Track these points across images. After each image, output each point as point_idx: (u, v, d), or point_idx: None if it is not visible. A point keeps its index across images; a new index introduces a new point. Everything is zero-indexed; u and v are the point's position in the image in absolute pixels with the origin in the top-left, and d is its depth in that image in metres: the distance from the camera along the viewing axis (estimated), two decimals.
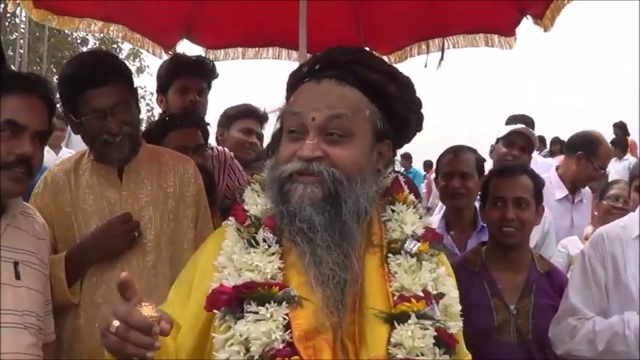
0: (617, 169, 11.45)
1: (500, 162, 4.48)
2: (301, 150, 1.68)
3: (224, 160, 3.99)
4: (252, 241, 1.71)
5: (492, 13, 3.83)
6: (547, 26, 3.58)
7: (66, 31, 22.53)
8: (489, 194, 3.12)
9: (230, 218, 1.79)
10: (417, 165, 18.69)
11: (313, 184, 1.66)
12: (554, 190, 4.82)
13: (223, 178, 3.94)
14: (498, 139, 4.68)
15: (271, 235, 1.71)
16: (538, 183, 3.13)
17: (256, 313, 1.59)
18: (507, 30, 3.92)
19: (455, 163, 3.72)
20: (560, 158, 5.84)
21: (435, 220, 3.83)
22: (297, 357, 1.57)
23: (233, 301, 1.61)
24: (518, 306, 2.97)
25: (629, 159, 11.71)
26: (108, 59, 2.82)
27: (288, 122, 1.74)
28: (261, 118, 4.36)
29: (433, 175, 4.75)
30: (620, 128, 13.90)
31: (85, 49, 22.01)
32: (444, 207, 3.94)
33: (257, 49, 4.25)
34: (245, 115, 4.30)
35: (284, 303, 1.61)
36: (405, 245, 1.76)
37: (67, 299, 2.56)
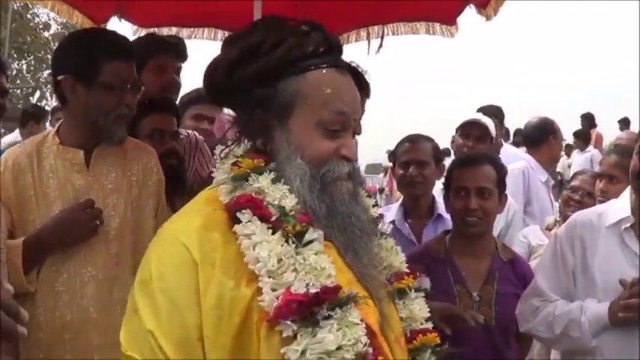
0: (579, 161, 11.63)
1: (458, 153, 4.51)
2: (348, 150, 1.65)
3: (195, 143, 3.95)
4: (295, 240, 1.53)
5: (435, 1, 3.84)
6: (489, 15, 3.58)
7: (28, 16, 22.24)
8: (452, 184, 3.13)
9: (243, 211, 1.54)
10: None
11: (348, 180, 1.67)
12: (538, 174, 5.09)
13: (193, 163, 3.90)
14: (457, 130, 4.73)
15: (320, 233, 1.58)
16: (501, 172, 3.14)
17: (341, 319, 1.46)
18: (449, 19, 3.92)
19: (412, 151, 3.73)
20: (523, 149, 6.02)
21: (394, 208, 3.87)
22: (382, 357, 1.54)
23: (305, 309, 1.45)
24: (481, 293, 2.99)
25: (592, 151, 11.86)
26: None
27: (329, 118, 1.63)
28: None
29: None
30: (588, 119, 14.09)
31: (47, 34, 21.71)
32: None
33: (192, 29, 4.14)
34: (196, 101, 4.23)
35: (353, 304, 1.51)
36: (379, 226, 1.85)
37: (23, 287, 2.49)
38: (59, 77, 2.62)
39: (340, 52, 1.73)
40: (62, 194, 2.59)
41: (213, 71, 1.73)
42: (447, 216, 3.50)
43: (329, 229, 1.61)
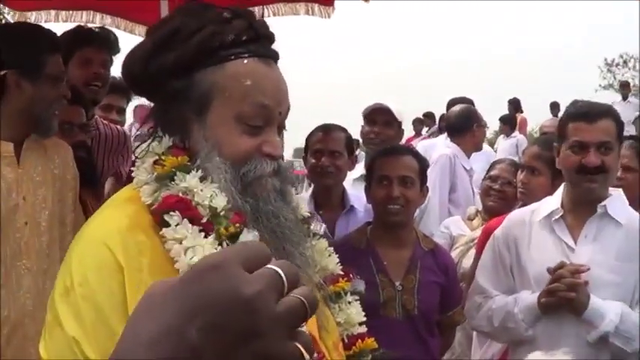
0: (504, 147, 11.75)
1: (365, 141, 4.48)
2: (271, 147, 1.54)
3: (124, 140, 3.90)
4: (230, 242, 1.42)
5: None
6: None
7: None
8: (375, 174, 3.15)
9: (172, 213, 1.41)
10: None
11: (274, 177, 1.55)
12: (463, 162, 5.09)
13: (115, 159, 3.83)
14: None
15: (255, 234, 1.47)
16: (423, 164, 3.19)
17: None
18: (327, 0, 4.01)
19: (325, 141, 3.69)
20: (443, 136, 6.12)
21: (303, 200, 3.82)
22: None
23: None
24: (403, 282, 3.01)
25: (517, 136, 12.01)
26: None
27: (249, 111, 1.51)
28: (123, 90, 4.23)
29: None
30: (514, 104, 14.32)
31: None
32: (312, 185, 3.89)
33: (70, 11, 4.10)
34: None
35: None
36: (312, 227, 1.72)
37: None
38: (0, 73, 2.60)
39: (270, 40, 1.61)
40: None
41: (130, 61, 1.59)
42: (360, 208, 3.54)
43: (257, 230, 1.50)
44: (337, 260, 1.75)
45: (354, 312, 1.72)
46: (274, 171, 1.54)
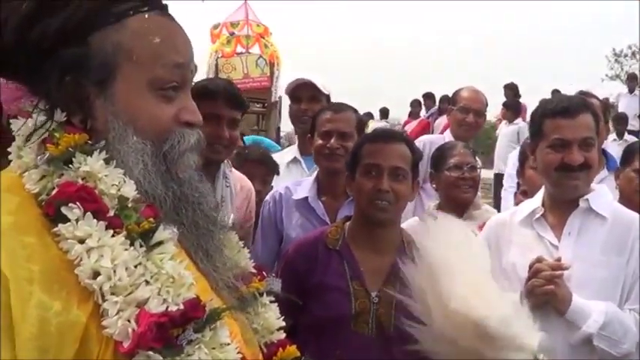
0: (505, 133, 11.40)
1: (296, 122, 4.22)
2: (191, 114, 1.35)
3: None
4: (142, 241, 1.21)
5: None
6: None
7: None
8: (361, 161, 2.73)
9: (71, 205, 1.17)
10: None
11: (192, 152, 1.37)
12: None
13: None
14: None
15: (173, 231, 1.29)
16: (416, 155, 2.78)
17: (210, 340, 1.18)
18: None
19: (335, 121, 3.39)
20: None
21: (307, 184, 3.45)
22: None
23: (168, 333, 1.14)
24: (380, 293, 2.58)
25: (520, 124, 11.58)
26: None
27: (164, 74, 1.31)
28: None
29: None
30: (512, 90, 13.86)
31: None
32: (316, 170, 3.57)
33: None
34: None
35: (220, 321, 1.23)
36: (218, 219, 1.45)
37: None
38: None
39: None
40: None
41: None
42: None
43: (177, 224, 1.32)
44: (248, 256, 1.56)
45: (272, 316, 1.54)
46: (196, 143, 1.35)
